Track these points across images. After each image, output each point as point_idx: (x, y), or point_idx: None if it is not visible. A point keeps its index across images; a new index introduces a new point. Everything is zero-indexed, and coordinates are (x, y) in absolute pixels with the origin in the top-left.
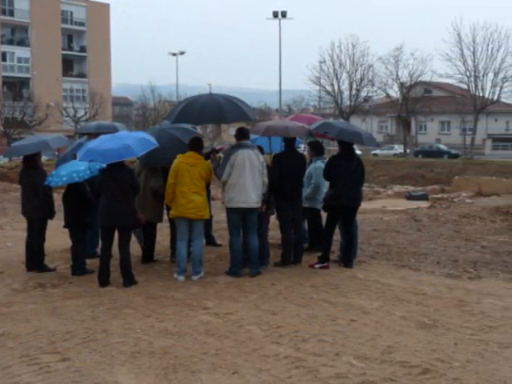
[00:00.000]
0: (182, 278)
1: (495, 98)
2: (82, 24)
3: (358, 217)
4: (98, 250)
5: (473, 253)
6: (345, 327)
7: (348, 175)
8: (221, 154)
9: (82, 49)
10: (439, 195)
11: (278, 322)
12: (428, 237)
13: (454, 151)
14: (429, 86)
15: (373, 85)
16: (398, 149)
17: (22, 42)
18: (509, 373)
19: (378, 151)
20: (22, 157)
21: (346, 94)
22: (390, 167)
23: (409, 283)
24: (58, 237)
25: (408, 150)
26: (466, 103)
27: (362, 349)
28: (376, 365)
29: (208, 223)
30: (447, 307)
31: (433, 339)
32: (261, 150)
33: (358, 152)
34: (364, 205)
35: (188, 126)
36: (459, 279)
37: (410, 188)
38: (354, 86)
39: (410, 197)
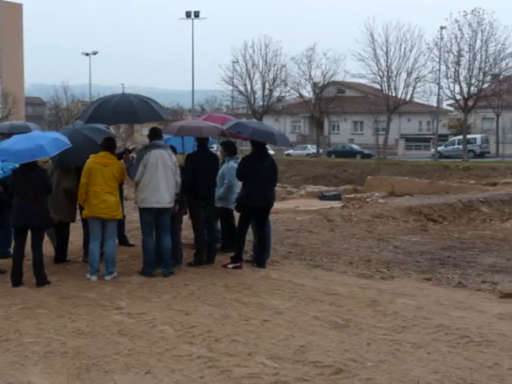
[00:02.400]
0: (94, 277)
1: (408, 97)
2: None
3: (271, 217)
4: (11, 250)
5: (386, 253)
6: (258, 327)
7: (261, 175)
8: (134, 154)
9: None
10: (352, 195)
11: (190, 322)
12: (341, 237)
13: (366, 151)
14: (342, 86)
15: (286, 85)
16: (311, 149)
17: None
18: (421, 373)
19: (290, 151)
20: None
21: (259, 93)
22: (302, 167)
23: (322, 283)
24: None
25: (321, 150)
26: (379, 103)
27: (274, 349)
28: (289, 365)
29: (121, 223)
30: (360, 307)
31: (346, 339)
32: (174, 149)
33: (271, 152)
34: (277, 205)
35: (101, 126)
36: (372, 279)
37: (323, 188)
38: (267, 86)
39: (322, 197)
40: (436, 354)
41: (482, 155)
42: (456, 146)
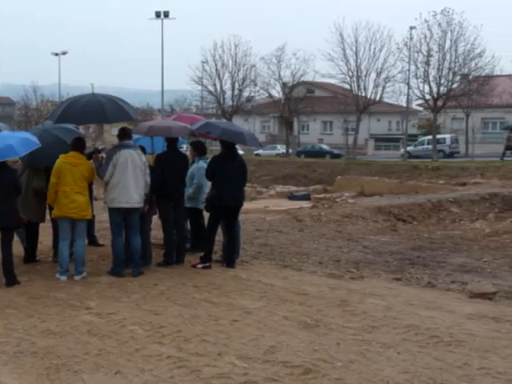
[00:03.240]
0: (64, 278)
1: (377, 97)
2: None
3: (241, 217)
4: None
5: (355, 253)
6: (227, 327)
7: (230, 175)
8: (103, 154)
9: None
10: (321, 195)
11: (160, 322)
12: (310, 237)
13: (336, 151)
14: (311, 86)
15: (255, 85)
16: (281, 149)
17: None
18: (391, 373)
19: (260, 151)
20: None
21: (229, 93)
22: (272, 167)
23: (291, 283)
24: None
25: (290, 150)
26: (348, 103)
27: (244, 349)
28: (258, 365)
29: (90, 223)
30: (330, 307)
31: (315, 339)
32: (143, 149)
33: (241, 152)
34: (246, 205)
35: (70, 126)
36: (341, 279)
37: (293, 188)
38: (237, 86)
39: (292, 197)
40: (406, 354)
41: (451, 155)
42: (425, 146)
